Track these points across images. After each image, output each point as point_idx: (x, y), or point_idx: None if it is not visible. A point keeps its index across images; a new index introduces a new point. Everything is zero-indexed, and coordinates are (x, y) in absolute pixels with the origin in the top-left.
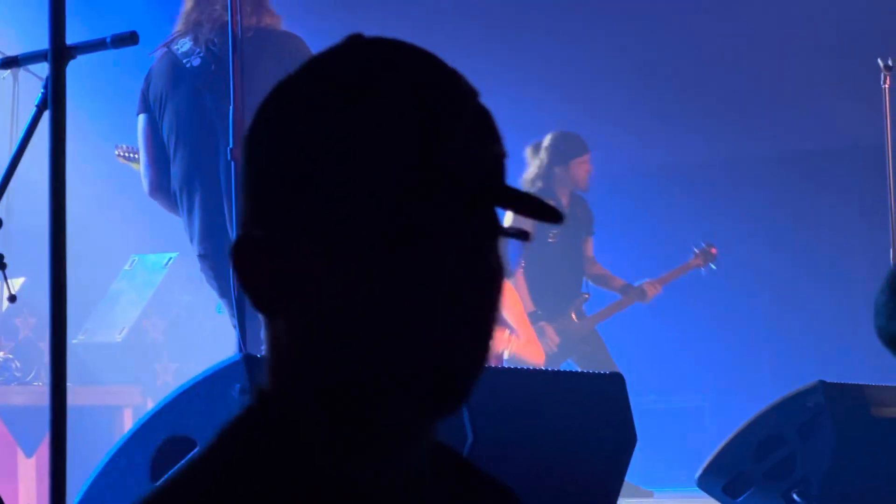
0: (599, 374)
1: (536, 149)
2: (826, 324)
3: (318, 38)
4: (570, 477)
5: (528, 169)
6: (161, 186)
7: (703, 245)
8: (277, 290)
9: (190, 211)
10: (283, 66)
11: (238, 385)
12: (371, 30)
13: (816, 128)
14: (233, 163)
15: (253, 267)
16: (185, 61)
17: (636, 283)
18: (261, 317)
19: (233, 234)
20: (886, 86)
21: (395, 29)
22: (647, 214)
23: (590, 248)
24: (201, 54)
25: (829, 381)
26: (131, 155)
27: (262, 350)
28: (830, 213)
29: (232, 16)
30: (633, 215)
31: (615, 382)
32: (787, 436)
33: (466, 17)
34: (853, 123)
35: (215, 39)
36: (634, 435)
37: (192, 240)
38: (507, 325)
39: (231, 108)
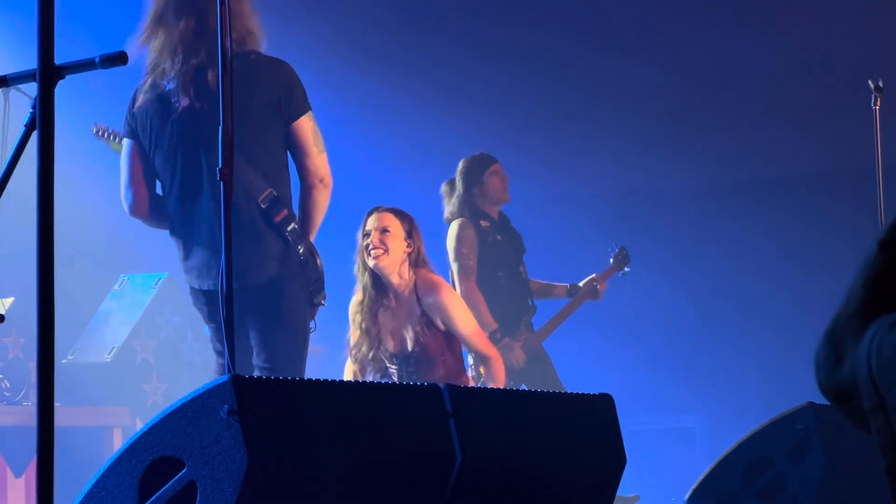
0: (589, 394)
1: (451, 183)
2: (817, 342)
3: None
4: (559, 498)
5: (448, 203)
6: (147, 208)
7: (616, 249)
8: None
9: (186, 241)
10: (276, 96)
11: (226, 406)
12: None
13: (806, 150)
14: (222, 183)
15: None
16: (173, 100)
17: (579, 283)
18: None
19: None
20: (877, 107)
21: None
22: (643, 237)
23: (523, 266)
24: (187, 93)
25: (818, 402)
26: (110, 135)
27: (250, 371)
28: (820, 235)
29: (222, 37)
30: (626, 237)
31: (604, 403)
32: (776, 458)
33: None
34: (844, 145)
35: (196, 80)
36: (623, 456)
37: (186, 271)
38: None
39: (220, 128)
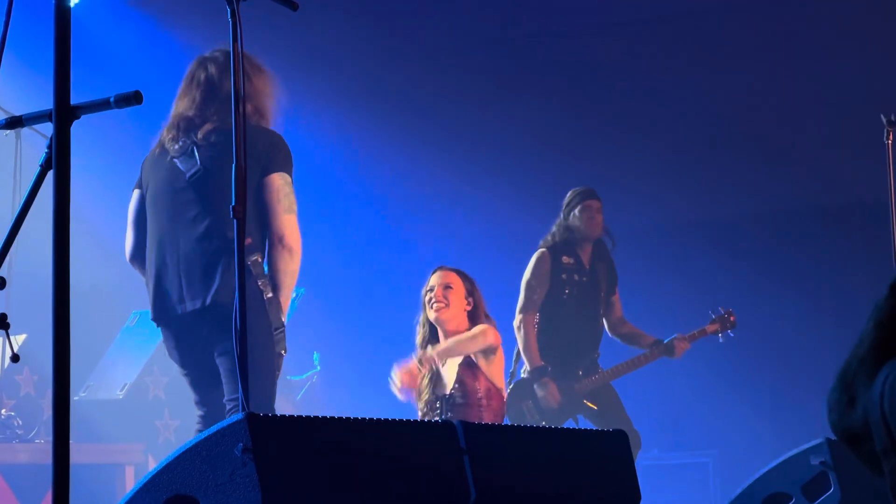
0: (602, 431)
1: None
2: (830, 379)
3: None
4: None
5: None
6: (134, 254)
7: (722, 311)
8: None
9: (150, 279)
10: (258, 150)
11: (241, 444)
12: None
13: (821, 184)
14: (235, 220)
15: None
16: (168, 148)
17: (665, 340)
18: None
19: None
20: (890, 141)
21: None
22: (654, 272)
23: (618, 306)
24: (183, 139)
25: (833, 438)
26: None
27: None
28: (835, 270)
29: (235, 79)
30: (637, 272)
31: (618, 440)
32: (792, 493)
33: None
34: (858, 179)
35: (202, 143)
36: (638, 492)
37: (150, 306)
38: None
39: (234, 166)
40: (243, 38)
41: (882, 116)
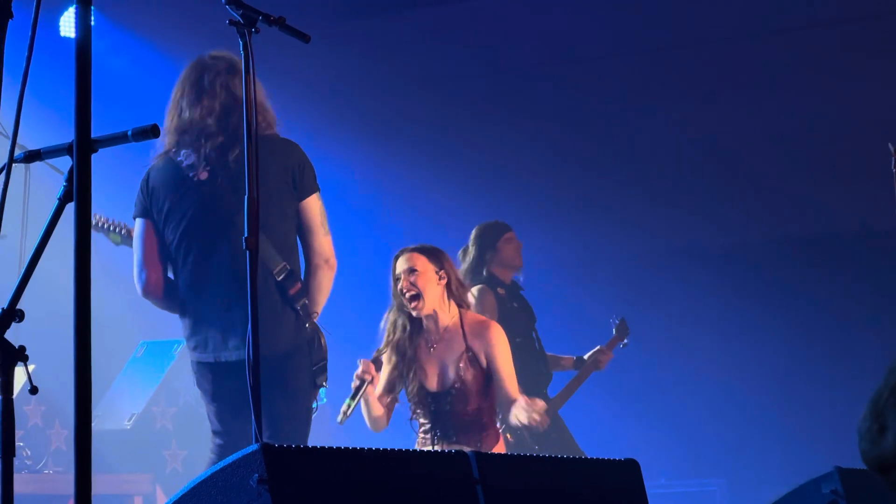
0: (614, 460)
1: (465, 249)
2: (838, 408)
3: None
4: None
5: (460, 268)
6: (163, 288)
7: (617, 320)
8: None
9: (195, 314)
10: (290, 173)
11: (256, 475)
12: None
13: (827, 212)
14: (248, 252)
15: None
16: (191, 175)
17: (585, 355)
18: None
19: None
20: None
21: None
22: (655, 301)
23: (535, 332)
24: (207, 168)
25: (844, 466)
26: (110, 227)
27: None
28: (842, 297)
29: (247, 109)
30: (639, 301)
31: (630, 469)
32: None
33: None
34: (864, 208)
35: (215, 156)
36: None
37: (188, 341)
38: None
39: (246, 197)
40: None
41: (890, 145)
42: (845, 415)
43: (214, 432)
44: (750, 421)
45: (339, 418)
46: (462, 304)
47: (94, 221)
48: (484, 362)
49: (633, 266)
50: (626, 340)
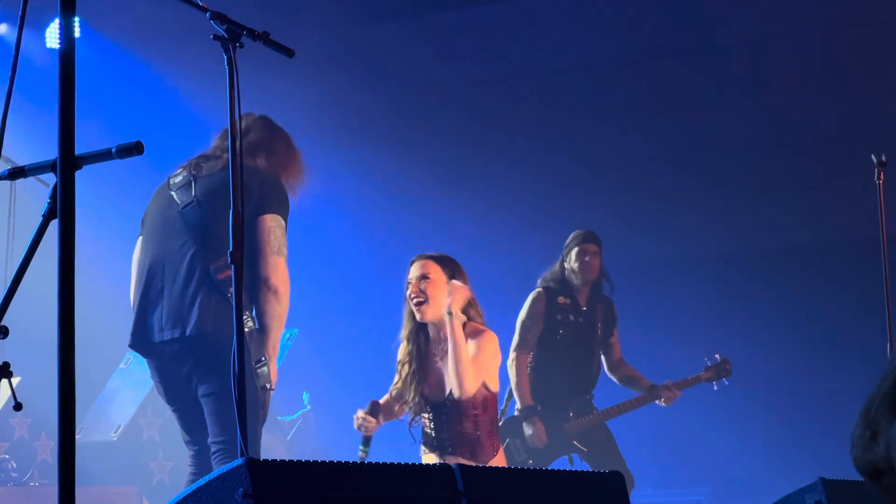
0: (598, 472)
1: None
2: (824, 419)
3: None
4: None
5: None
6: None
7: (718, 359)
8: None
9: (136, 304)
10: (253, 189)
11: (241, 490)
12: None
13: (812, 223)
14: (233, 265)
15: None
16: (170, 182)
17: (658, 384)
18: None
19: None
20: (881, 181)
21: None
22: (644, 307)
23: (617, 348)
24: (186, 176)
25: (828, 477)
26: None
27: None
28: (828, 308)
29: (231, 124)
30: (628, 308)
31: (615, 481)
32: None
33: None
34: (849, 218)
35: (202, 169)
36: None
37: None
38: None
39: (231, 211)
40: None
41: (873, 156)
42: (830, 426)
43: (185, 442)
44: (735, 431)
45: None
46: (470, 317)
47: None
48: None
49: (618, 274)
50: (725, 381)
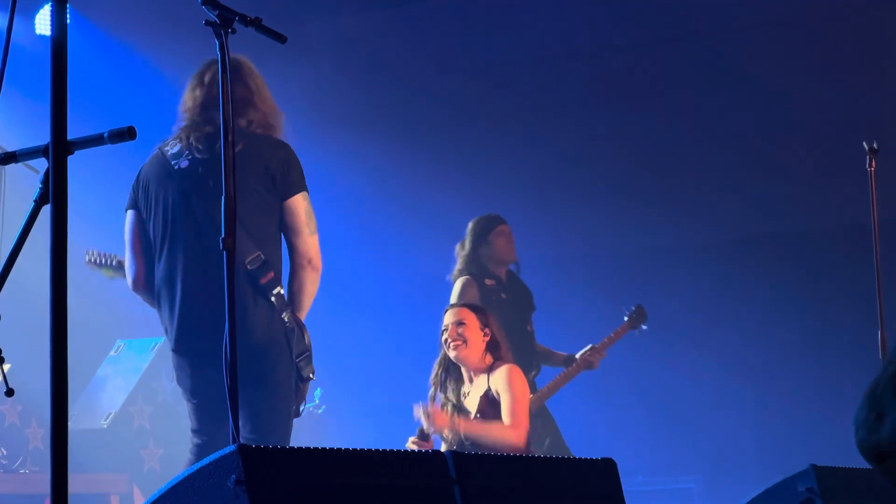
0: (591, 459)
1: (462, 243)
2: (815, 407)
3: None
4: None
5: (456, 263)
6: (144, 281)
7: (633, 307)
8: None
9: (171, 307)
10: (271, 170)
11: (233, 476)
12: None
13: (804, 210)
14: (225, 252)
15: None
16: (173, 163)
17: (577, 354)
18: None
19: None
20: (872, 168)
21: None
22: (634, 298)
23: (530, 324)
24: (189, 157)
25: (819, 464)
26: (102, 260)
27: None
28: (818, 294)
29: (223, 108)
30: (617, 296)
31: (607, 468)
32: None
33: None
34: (840, 205)
35: (201, 146)
36: None
37: (167, 334)
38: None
39: (223, 198)
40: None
41: (864, 143)
42: (822, 413)
43: (193, 431)
44: (726, 419)
45: None
46: (498, 358)
47: (87, 258)
48: (497, 397)
49: (606, 265)
50: (643, 327)
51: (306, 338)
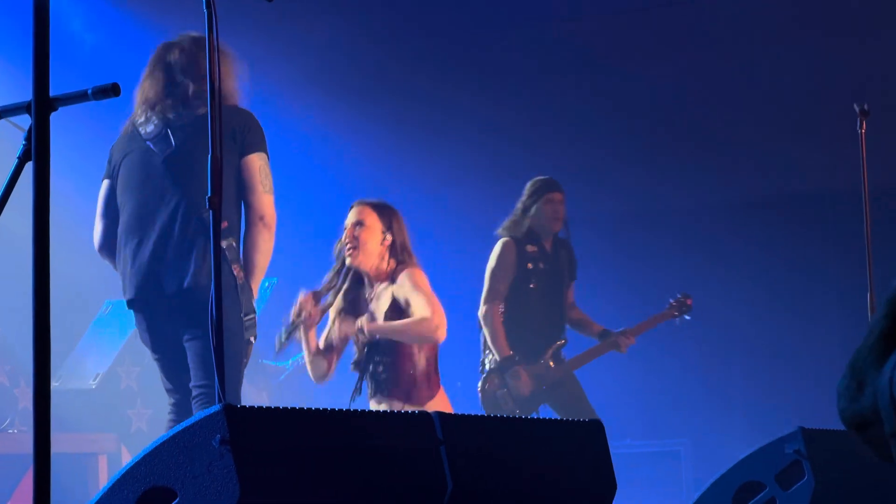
0: (579, 421)
1: (521, 200)
2: (803, 369)
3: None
4: None
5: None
6: (109, 244)
7: (679, 296)
8: None
9: (126, 264)
10: (232, 129)
11: (218, 436)
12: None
13: (793, 173)
14: (211, 211)
15: None
16: (140, 130)
17: (615, 330)
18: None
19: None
20: (863, 131)
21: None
22: (624, 259)
23: (571, 293)
24: (155, 121)
25: (807, 427)
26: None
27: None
28: (807, 258)
29: (210, 68)
30: (609, 260)
31: (594, 430)
32: (766, 482)
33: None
34: (830, 168)
35: (171, 115)
36: (614, 483)
37: (124, 293)
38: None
39: (210, 157)
40: (219, 27)
41: (855, 105)
42: (809, 376)
43: (167, 390)
44: (714, 381)
45: (276, 348)
46: (401, 262)
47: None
48: (404, 305)
49: (588, 230)
50: (686, 317)
51: (253, 302)
